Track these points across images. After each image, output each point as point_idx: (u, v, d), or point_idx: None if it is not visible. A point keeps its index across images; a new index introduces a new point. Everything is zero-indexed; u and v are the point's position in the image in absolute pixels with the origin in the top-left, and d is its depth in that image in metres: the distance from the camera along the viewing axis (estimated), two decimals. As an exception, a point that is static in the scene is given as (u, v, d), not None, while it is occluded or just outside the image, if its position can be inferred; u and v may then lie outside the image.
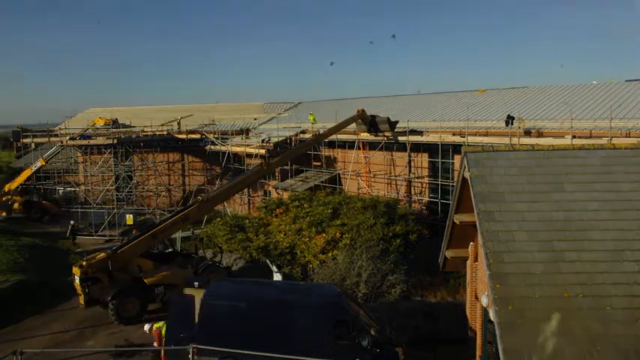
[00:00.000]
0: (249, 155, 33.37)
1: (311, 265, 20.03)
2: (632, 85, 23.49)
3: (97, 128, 40.34)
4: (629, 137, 18.10)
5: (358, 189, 28.94)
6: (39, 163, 37.44)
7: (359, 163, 29.61)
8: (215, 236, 24.74)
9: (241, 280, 19.37)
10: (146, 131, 40.06)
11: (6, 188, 37.56)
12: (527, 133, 21.29)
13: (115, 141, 35.60)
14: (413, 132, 26.29)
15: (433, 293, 18.40)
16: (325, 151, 31.30)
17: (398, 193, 27.13)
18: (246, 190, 33.51)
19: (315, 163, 32.26)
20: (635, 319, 8.20)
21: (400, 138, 26.57)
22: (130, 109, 51.06)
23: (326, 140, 29.52)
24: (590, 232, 9.39)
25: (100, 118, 42.92)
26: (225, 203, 31.69)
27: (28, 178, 38.18)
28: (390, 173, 28.06)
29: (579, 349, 7.96)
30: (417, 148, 26.54)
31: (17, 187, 37.72)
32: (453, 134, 23.88)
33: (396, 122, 27.61)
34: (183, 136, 40.72)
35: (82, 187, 39.98)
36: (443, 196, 24.56)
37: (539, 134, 21.00)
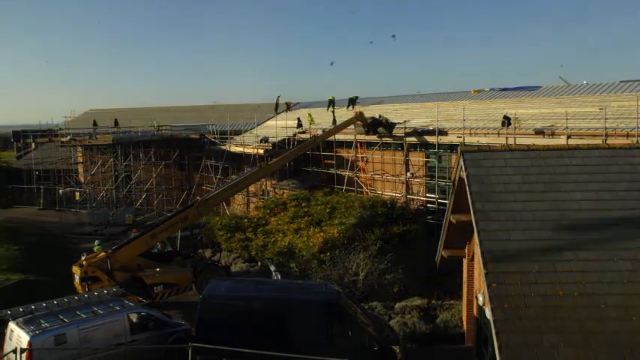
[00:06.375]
0: (248, 155, 33.39)
1: (309, 264, 20.11)
2: (627, 85, 23.61)
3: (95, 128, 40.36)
4: (625, 137, 18.14)
5: (356, 188, 29.01)
6: None
7: (357, 163, 29.69)
8: (214, 235, 24.83)
9: (239, 278, 19.44)
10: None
11: None
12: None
13: (115, 141, 35.64)
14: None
15: (430, 292, 18.47)
16: (324, 152, 31.33)
17: (396, 193, 27.19)
18: (244, 189, 33.54)
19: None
20: (629, 316, 8.29)
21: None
22: (130, 109, 51.07)
23: (324, 140, 29.62)
24: (585, 231, 9.48)
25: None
26: (224, 203, 31.73)
27: None
28: (388, 173, 28.12)
29: (574, 346, 8.05)
30: (415, 147, 26.63)
31: None
32: (458, 137, 23.77)
33: (394, 124, 27.71)
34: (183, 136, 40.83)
35: (83, 187, 39.96)
36: (440, 195, 24.63)
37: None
